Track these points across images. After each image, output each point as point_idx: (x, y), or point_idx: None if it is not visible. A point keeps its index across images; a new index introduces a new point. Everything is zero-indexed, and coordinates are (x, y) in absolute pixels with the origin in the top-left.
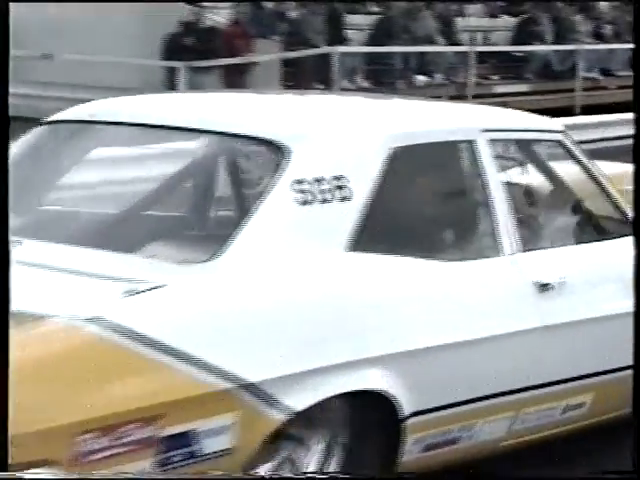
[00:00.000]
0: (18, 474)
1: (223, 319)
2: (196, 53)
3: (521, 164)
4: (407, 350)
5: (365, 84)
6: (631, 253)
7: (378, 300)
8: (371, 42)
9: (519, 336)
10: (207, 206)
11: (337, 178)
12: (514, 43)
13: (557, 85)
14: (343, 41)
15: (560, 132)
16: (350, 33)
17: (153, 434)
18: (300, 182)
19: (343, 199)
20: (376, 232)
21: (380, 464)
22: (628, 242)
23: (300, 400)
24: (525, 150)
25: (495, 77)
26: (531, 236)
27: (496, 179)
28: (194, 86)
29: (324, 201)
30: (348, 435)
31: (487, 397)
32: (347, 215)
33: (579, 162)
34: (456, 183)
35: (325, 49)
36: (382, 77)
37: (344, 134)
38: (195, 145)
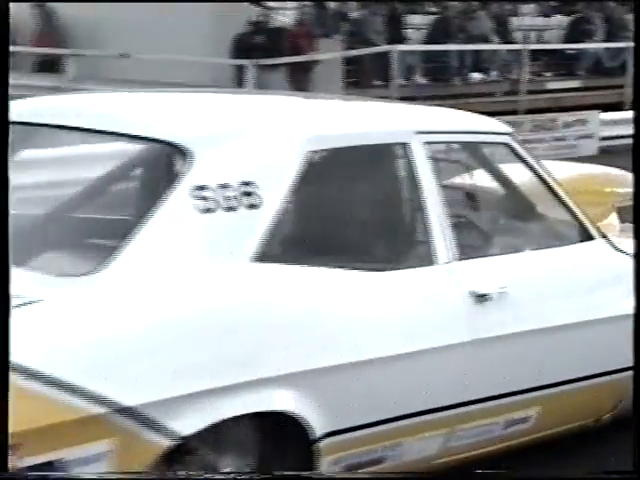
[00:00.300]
0: (18, 474)
1: (98, 338)
2: (264, 51)
3: (463, 167)
4: (317, 368)
5: (422, 81)
6: (581, 260)
7: (285, 315)
8: (429, 41)
9: (451, 350)
10: (104, 213)
11: (245, 184)
12: (566, 41)
13: (608, 81)
14: (402, 40)
15: (507, 134)
16: (409, 32)
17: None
18: (202, 188)
19: (251, 206)
20: (288, 241)
21: None
22: (578, 249)
23: (189, 424)
24: (468, 153)
25: (548, 74)
26: (471, 243)
27: (431, 183)
28: (261, 83)
29: (229, 209)
30: (258, 458)
31: (414, 414)
32: (255, 223)
33: (527, 165)
34: (384, 188)
35: (385, 48)
36: (439, 74)
37: (254, 137)
38: (101, 148)
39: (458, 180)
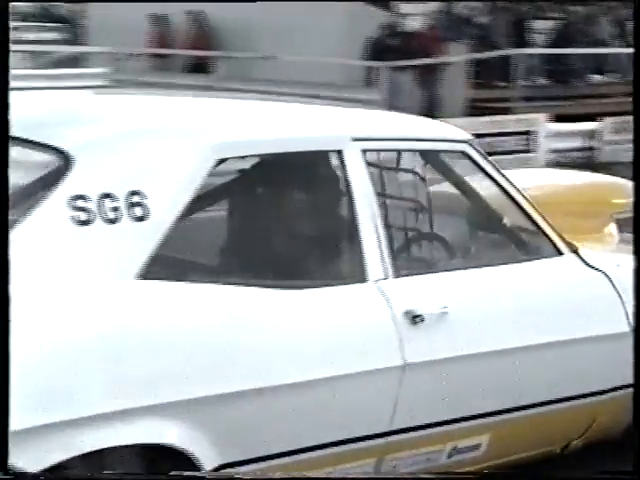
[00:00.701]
0: (18, 474)
1: None
2: (395, 54)
3: (416, 177)
4: (206, 396)
5: (544, 82)
6: (542, 277)
7: (171, 339)
8: (551, 44)
9: (378, 375)
10: None
11: (132, 194)
12: None
13: None
14: (526, 44)
15: (464, 142)
16: (532, 37)
17: None
18: (80, 198)
19: (138, 219)
20: (182, 257)
21: None
22: (541, 265)
23: (34, 459)
24: (421, 161)
25: None
26: (415, 259)
27: (367, 194)
28: (393, 83)
29: (110, 221)
30: None
31: (333, 444)
32: (142, 237)
33: (487, 175)
34: (308, 198)
35: (509, 51)
36: (560, 76)
37: (149, 143)
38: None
39: (403, 191)
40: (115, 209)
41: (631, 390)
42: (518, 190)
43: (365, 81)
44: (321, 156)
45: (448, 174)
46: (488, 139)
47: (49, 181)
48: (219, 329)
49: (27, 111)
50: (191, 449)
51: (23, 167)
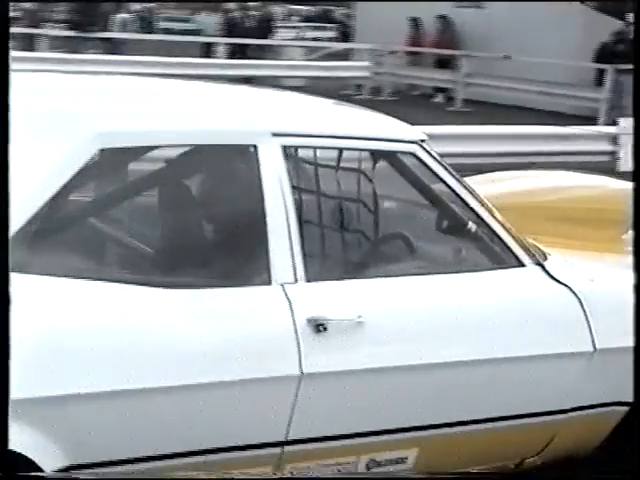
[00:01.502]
0: (18, 474)
1: None
2: (622, 58)
3: (357, 177)
4: (48, 396)
5: None
6: (491, 290)
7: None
8: None
9: (270, 383)
10: None
11: None
12: None
13: None
14: None
15: (414, 142)
16: None
17: None
18: None
19: None
20: (39, 247)
21: None
22: (488, 276)
23: None
24: (364, 161)
25: None
26: (334, 264)
27: (281, 194)
28: (617, 85)
29: None
30: None
31: (213, 450)
32: None
33: (439, 179)
34: (209, 194)
35: None
36: None
37: (14, 128)
38: None
39: (347, 191)
40: None
41: (598, 410)
42: (475, 196)
43: (593, 81)
44: (230, 150)
45: (399, 174)
46: None
47: None
48: (76, 325)
49: None
50: (25, 451)
51: None
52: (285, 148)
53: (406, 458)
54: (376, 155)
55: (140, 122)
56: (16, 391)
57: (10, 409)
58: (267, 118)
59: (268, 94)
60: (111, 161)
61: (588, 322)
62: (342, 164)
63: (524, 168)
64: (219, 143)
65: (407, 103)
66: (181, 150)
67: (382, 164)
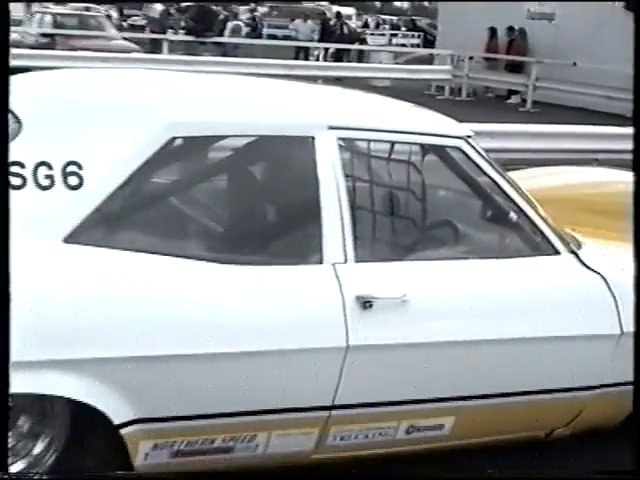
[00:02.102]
0: (18, 474)
1: None
2: None
3: (408, 169)
4: (121, 357)
5: None
6: (526, 275)
7: (87, 298)
8: None
9: (319, 353)
10: None
11: (70, 164)
12: None
13: None
14: None
15: (460, 138)
16: None
17: None
18: (17, 164)
19: (71, 187)
20: (117, 225)
21: (102, 465)
22: (529, 262)
23: None
24: (413, 154)
25: None
26: (379, 247)
27: (335, 182)
28: None
29: (44, 187)
30: (57, 433)
31: (266, 412)
32: (74, 204)
33: (483, 172)
34: (268, 181)
35: None
36: None
37: (93, 117)
38: None
39: (383, 182)
40: (49, 177)
41: (623, 388)
42: (517, 189)
43: None
44: (290, 141)
45: (446, 167)
46: None
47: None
48: (147, 295)
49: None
50: (96, 404)
51: None
52: (340, 140)
53: (443, 425)
54: (425, 148)
55: (209, 114)
56: (96, 350)
57: (92, 367)
58: (324, 112)
59: (328, 91)
60: (182, 148)
61: (617, 307)
62: (393, 156)
63: (587, 164)
64: (281, 134)
65: (483, 104)
66: (246, 140)
67: (431, 157)
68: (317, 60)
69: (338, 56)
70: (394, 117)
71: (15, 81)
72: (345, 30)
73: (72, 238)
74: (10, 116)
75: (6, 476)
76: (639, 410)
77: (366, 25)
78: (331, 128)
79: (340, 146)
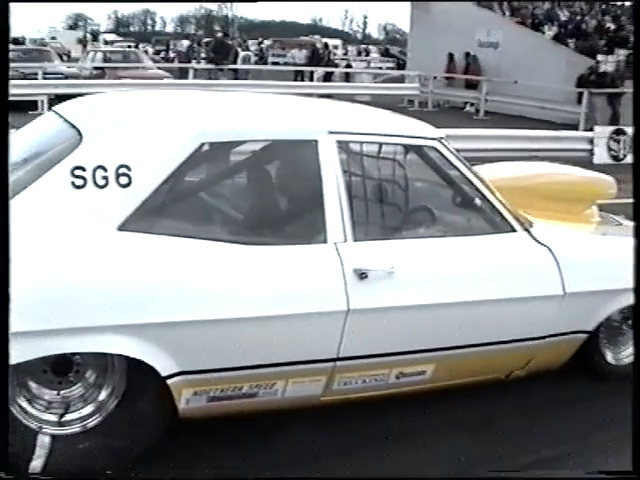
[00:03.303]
0: (18, 474)
1: None
2: (594, 85)
3: (392, 165)
4: (168, 322)
5: None
6: (489, 248)
7: (139, 275)
8: None
9: (326, 316)
10: None
11: (121, 166)
12: None
13: None
14: None
15: (435, 139)
16: None
17: None
18: (79, 168)
19: (122, 185)
20: (163, 216)
21: (153, 408)
22: (491, 239)
23: (33, 351)
24: (396, 153)
25: None
26: (372, 228)
27: (335, 177)
28: (591, 103)
29: (101, 186)
30: (115, 387)
31: (283, 364)
32: (124, 199)
33: (455, 168)
34: (282, 177)
35: None
36: None
37: (140, 128)
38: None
39: (372, 175)
40: (104, 177)
41: (566, 337)
42: (480, 179)
43: (575, 101)
44: (298, 144)
45: (424, 163)
46: None
47: (65, 152)
48: (187, 271)
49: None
50: (147, 359)
51: (60, 138)
52: (339, 142)
53: (425, 371)
54: (407, 148)
55: (231, 124)
56: (147, 316)
57: (143, 330)
58: (325, 120)
59: (328, 103)
60: (210, 152)
61: (560, 273)
62: (381, 155)
63: (530, 160)
64: (290, 138)
65: (445, 113)
66: (262, 144)
67: (411, 155)
68: (311, 81)
69: (326, 78)
70: (381, 123)
71: (75, 103)
72: (330, 57)
73: (124, 227)
74: (73, 130)
75: (6, 476)
76: (638, 410)
77: (345, 53)
78: (331, 133)
79: (338, 147)
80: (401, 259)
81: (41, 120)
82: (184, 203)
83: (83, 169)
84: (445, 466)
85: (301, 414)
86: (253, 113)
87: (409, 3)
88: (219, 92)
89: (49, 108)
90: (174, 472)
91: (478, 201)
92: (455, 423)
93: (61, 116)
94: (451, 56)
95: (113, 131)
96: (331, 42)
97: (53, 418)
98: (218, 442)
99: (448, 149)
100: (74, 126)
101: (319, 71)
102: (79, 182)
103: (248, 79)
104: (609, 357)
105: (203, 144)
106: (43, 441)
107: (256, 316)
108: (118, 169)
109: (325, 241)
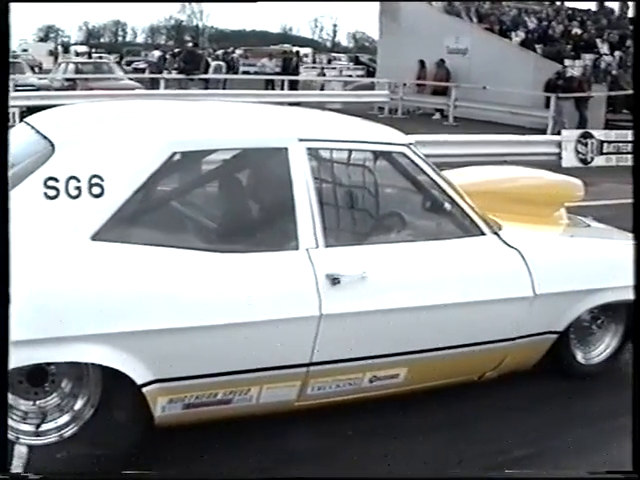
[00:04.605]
0: (18, 474)
1: None
2: (561, 89)
3: (363, 171)
4: (142, 330)
5: None
6: (460, 251)
7: (111, 285)
8: None
9: (298, 322)
10: None
11: (94, 177)
12: None
13: None
14: None
15: (404, 145)
16: None
17: None
18: (52, 179)
19: (95, 195)
20: (133, 225)
21: (129, 417)
22: (462, 242)
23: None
24: (366, 159)
25: None
26: (343, 234)
27: (305, 183)
28: (559, 107)
29: (73, 197)
30: (90, 396)
31: (255, 370)
32: (96, 210)
33: (424, 172)
34: (253, 185)
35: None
36: None
37: (113, 139)
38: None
39: (354, 181)
40: (77, 188)
41: (535, 338)
42: (449, 184)
43: (543, 105)
44: (268, 152)
45: (393, 169)
46: None
47: (37, 163)
48: (158, 279)
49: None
50: (122, 368)
51: (32, 150)
52: (309, 150)
53: (398, 375)
54: (376, 154)
55: (202, 133)
56: (121, 325)
57: (118, 339)
58: (295, 128)
59: (297, 111)
60: (181, 161)
61: (530, 275)
62: (351, 161)
63: (499, 164)
64: (260, 147)
65: (415, 120)
66: (233, 152)
67: (381, 161)
68: (282, 89)
69: (293, 86)
70: (351, 130)
71: (47, 114)
72: (300, 65)
73: (97, 236)
74: (45, 141)
75: (6, 476)
76: (638, 409)
77: (314, 61)
78: (301, 140)
79: (308, 154)
80: (373, 264)
81: (13, 132)
82: (156, 212)
83: (56, 180)
84: (420, 466)
85: (284, 416)
86: (224, 122)
87: (377, 11)
88: (190, 102)
89: (21, 120)
90: (169, 473)
91: (447, 205)
92: (430, 424)
93: (33, 127)
94: (422, 63)
95: (85, 142)
96: (301, 51)
97: (30, 428)
98: (211, 445)
99: (417, 155)
100: (46, 137)
101: (287, 79)
102: (52, 193)
103: (226, 88)
104: (579, 357)
105: (175, 153)
106: (20, 451)
107: (230, 323)
108: (91, 179)
109: (297, 247)
